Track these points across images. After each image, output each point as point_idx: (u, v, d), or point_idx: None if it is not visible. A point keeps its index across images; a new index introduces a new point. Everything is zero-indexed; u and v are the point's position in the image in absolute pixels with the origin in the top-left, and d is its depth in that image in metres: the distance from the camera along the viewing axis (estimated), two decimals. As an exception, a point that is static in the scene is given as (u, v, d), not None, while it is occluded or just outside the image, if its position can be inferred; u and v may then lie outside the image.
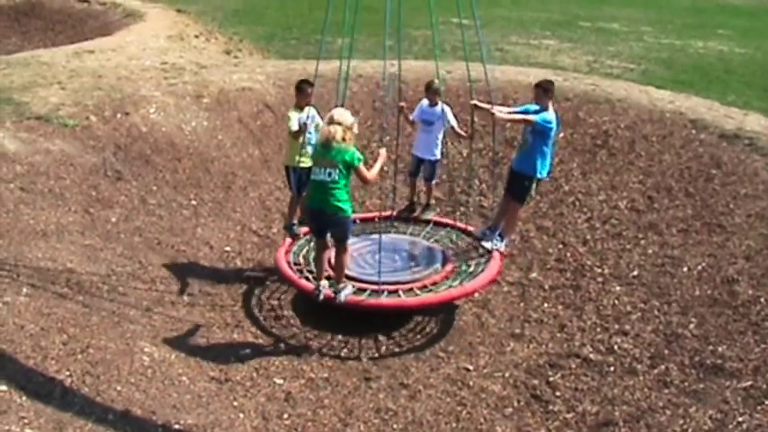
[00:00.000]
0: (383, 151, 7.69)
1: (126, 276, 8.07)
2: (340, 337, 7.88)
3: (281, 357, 7.34)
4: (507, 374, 7.38)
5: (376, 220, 9.20)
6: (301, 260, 8.31)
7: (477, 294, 8.47)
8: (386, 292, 7.66)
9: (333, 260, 7.64)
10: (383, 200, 9.85)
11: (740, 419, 6.26)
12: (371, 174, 7.25)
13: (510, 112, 8.53)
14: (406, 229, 9.30)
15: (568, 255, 9.48)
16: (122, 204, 9.63)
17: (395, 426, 6.56)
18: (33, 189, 9.11)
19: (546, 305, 8.59)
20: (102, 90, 11.89)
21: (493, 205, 10.32)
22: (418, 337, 8.03)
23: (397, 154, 9.47)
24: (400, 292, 7.72)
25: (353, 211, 7.61)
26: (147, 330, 7.18)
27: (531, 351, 7.77)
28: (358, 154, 7.09)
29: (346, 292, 7.44)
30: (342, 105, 7.41)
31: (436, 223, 9.37)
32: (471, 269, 8.23)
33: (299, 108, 8.41)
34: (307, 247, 8.54)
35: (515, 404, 6.96)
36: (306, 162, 8.21)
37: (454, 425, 6.62)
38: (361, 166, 7.12)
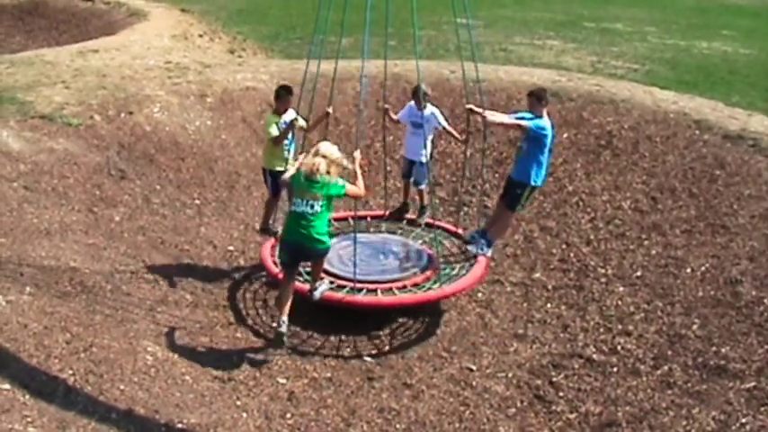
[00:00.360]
0: (357, 154, 7.62)
1: (129, 275, 8.08)
2: (343, 336, 7.88)
3: (284, 357, 7.34)
4: (510, 375, 7.38)
5: (368, 219, 9.26)
6: None
7: (457, 296, 8.41)
8: (364, 291, 7.69)
9: (311, 265, 7.61)
10: (375, 199, 9.82)
11: (743, 420, 6.26)
12: (360, 188, 7.25)
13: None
14: (396, 230, 9.31)
15: (572, 255, 9.47)
16: (126, 203, 9.64)
17: (398, 425, 6.55)
18: (37, 188, 9.13)
19: (549, 305, 8.59)
20: (106, 89, 11.90)
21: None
22: (421, 337, 8.02)
23: (386, 154, 9.44)
24: (378, 291, 7.76)
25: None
26: (150, 329, 7.19)
27: (534, 351, 7.76)
28: (341, 182, 6.98)
29: (323, 288, 7.46)
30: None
31: (426, 225, 9.34)
32: (455, 272, 8.24)
33: (278, 113, 8.48)
34: None
35: (518, 404, 6.95)
36: (282, 166, 8.31)
37: (457, 425, 6.62)
38: (349, 189, 7.08)
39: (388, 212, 9.64)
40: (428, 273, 8.19)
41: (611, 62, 16.99)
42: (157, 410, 5.84)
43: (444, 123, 9.03)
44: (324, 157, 6.85)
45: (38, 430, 5.11)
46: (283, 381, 6.96)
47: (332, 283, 7.72)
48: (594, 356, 7.55)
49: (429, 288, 7.93)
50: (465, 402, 6.93)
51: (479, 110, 8.28)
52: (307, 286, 7.55)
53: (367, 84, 10.28)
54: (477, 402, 6.93)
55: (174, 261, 8.79)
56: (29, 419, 5.16)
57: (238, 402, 6.48)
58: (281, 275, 7.56)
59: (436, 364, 7.54)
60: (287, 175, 7.39)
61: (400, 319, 8.23)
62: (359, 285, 7.71)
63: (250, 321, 7.96)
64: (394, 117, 9.18)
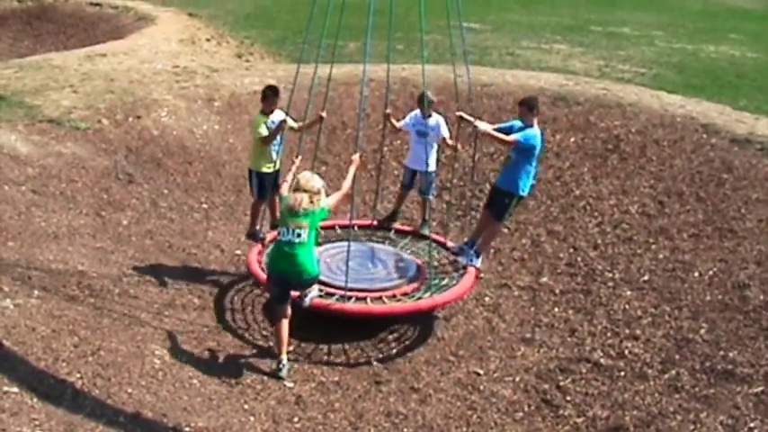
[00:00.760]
0: (356, 157, 7.63)
1: (137, 279, 8.10)
2: (350, 341, 7.87)
3: (292, 361, 7.34)
4: (518, 379, 7.36)
5: (355, 228, 9.02)
6: None
7: (443, 309, 8.38)
8: (354, 299, 7.67)
9: None
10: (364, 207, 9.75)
11: (751, 425, 6.24)
12: (341, 191, 7.19)
13: (495, 128, 8.27)
14: (386, 239, 9.26)
15: (579, 259, 9.46)
16: (134, 207, 9.67)
17: (405, 429, 6.54)
18: (45, 192, 9.17)
19: (556, 309, 8.57)
20: (114, 93, 11.95)
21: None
22: (429, 341, 8.02)
23: (381, 159, 9.38)
24: (368, 300, 7.73)
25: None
26: (157, 333, 7.20)
27: (541, 355, 7.75)
28: (324, 204, 6.90)
29: (312, 295, 7.38)
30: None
31: (415, 235, 9.31)
32: (444, 282, 8.19)
33: (265, 114, 8.42)
34: None
35: (526, 409, 6.94)
36: (269, 168, 8.31)
37: (464, 429, 6.61)
38: (332, 205, 7.10)
39: (376, 221, 9.57)
40: (418, 283, 8.15)
41: (618, 66, 16.98)
42: (165, 414, 5.85)
43: (446, 134, 8.95)
44: (305, 191, 6.81)
45: (46, 433, 5.13)
46: (291, 385, 6.96)
47: (321, 291, 7.64)
48: (602, 361, 7.53)
49: (419, 298, 7.89)
50: (472, 406, 6.92)
51: (470, 118, 8.25)
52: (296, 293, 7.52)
53: (367, 88, 10.25)
54: (484, 406, 6.92)
55: (182, 265, 8.81)
56: (36, 423, 5.17)
57: (246, 406, 6.48)
58: (271, 296, 7.49)
59: (443, 368, 7.53)
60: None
61: (407, 324, 8.22)
62: (348, 294, 7.68)
63: (257, 325, 7.97)
64: (396, 124, 9.06)
